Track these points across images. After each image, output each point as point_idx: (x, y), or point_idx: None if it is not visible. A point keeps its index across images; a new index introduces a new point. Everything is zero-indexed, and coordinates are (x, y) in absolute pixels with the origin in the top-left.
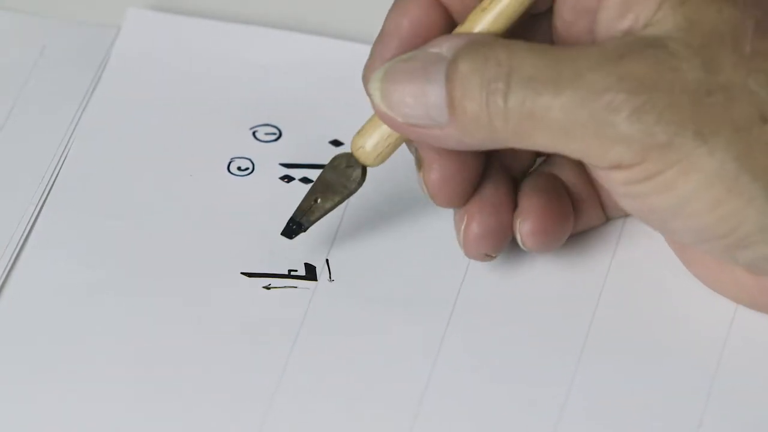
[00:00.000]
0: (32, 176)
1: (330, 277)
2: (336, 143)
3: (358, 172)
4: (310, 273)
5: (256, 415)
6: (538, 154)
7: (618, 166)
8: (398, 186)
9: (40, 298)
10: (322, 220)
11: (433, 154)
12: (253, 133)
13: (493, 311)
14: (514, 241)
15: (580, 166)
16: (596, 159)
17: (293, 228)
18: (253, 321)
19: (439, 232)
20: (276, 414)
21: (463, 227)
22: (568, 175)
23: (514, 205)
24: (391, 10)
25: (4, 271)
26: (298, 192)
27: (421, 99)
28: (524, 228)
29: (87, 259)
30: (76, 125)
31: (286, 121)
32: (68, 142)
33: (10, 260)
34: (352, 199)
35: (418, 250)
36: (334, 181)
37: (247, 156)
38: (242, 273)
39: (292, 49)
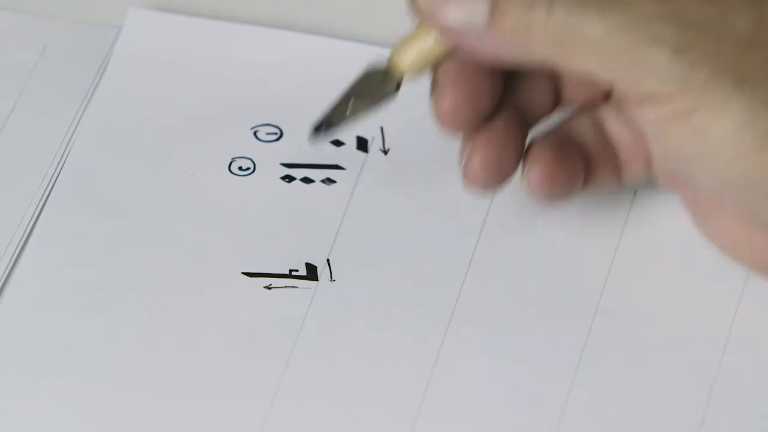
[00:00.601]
0: (33, 176)
1: (331, 277)
2: (337, 143)
3: (392, 82)
4: (311, 273)
5: (257, 415)
6: (554, 106)
7: (650, 99)
8: (400, 186)
9: (41, 297)
10: (323, 212)
11: (449, 79)
12: (254, 133)
13: (494, 311)
14: (514, 246)
15: (596, 126)
16: (630, 88)
17: (321, 129)
18: (253, 321)
19: (441, 232)
20: (277, 414)
21: (465, 157)
22: (583, 134)
23: (521, 148)
24: None
25: (5, 271)
26: (299, 192)
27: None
28: (532, 173)
29: (88, 258)
30: (77, 125)
31: (287, 121)
32: (69, 141)
33: (11, 260)
34: (354, 198)
35: (419, 249)
36: (368, 89)
37: (248, 156)
38: (243, 273)
39: (293, 49)
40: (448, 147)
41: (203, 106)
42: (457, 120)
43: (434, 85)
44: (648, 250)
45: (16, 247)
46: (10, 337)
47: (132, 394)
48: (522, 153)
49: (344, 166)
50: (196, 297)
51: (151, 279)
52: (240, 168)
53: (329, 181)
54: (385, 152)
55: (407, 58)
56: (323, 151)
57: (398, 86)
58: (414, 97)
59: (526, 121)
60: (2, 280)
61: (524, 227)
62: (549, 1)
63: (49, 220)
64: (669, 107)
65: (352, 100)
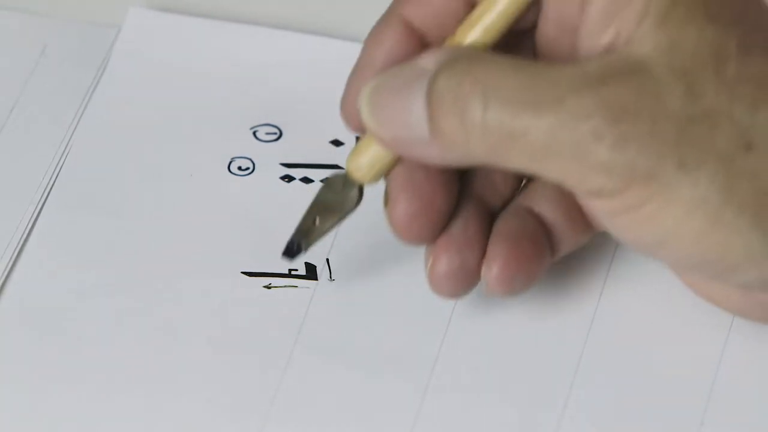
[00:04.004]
0: (33, 176)
1: (330, 277)
2: (336, 143)
3: (354, 191)
4: (311, 272)
5: (257, 415)
6: (516, 184)
7: (599, 195)
8: None
9: (40, 297)
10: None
11: (400, 190)
12: (254, 133)
13: (494, 310)
14: None
15: (557, 192)
16: (576, 185)
17: (294, 250)
18: (253, 320)
19: None
20: (277, 414)
21: (429, 266)
22: (545, 205)
23: (485, 243)
24: (366, 41)
25: (4, 271)
26: (298, 192)
27: (405, 115)
28: (490, 274)
29: (87, 258)
30: (76, 125)
31: (286, 121)
32: (69, 141)
33: (10, 260)
34: None
35: (419, 249)
36: (332, 201)
37: (247, 156)
38: (243, 272)
39: (292, 49)
40: None
41: (203, 105)
42: (413, 231)
43: (386, 196)
44: (640, 265)
45: (16, 247)
46: (8, 336)
47: (131, 394)
48: (485, 248)
49: (344, 167)
50: (196, 296)
51: (150, 279)
52: (239, 168)
53: None
54: None
55: (363, 166)
56: (323, 151)
57: (360, 193)
58: None
59: (490, 208)
60: (1, 280)
61: None
62: (482, 105)
63: (48, 220)
64: (618, 201)
65: (317, 215)
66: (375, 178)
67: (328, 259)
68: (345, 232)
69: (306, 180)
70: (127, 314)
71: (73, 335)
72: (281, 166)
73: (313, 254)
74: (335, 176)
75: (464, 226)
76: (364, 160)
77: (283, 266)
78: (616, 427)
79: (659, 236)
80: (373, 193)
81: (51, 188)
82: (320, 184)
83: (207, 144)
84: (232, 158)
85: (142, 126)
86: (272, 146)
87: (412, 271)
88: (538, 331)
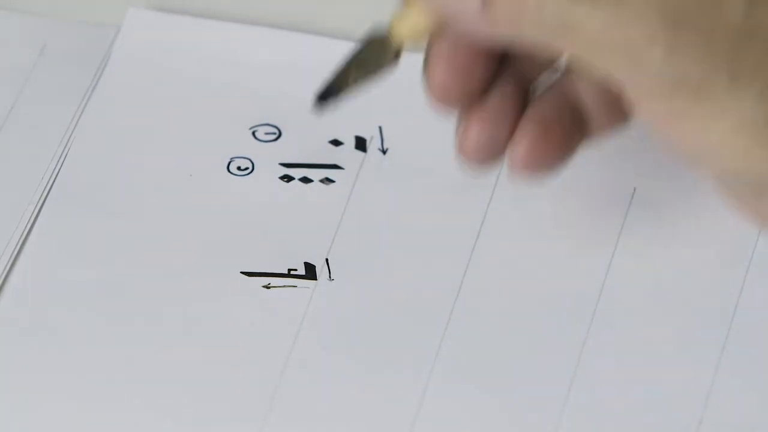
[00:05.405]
0: (32, 175)
1: (330, 277)
2: (335, 143)
3: (392, 49)
4: (310, 272)
5: (257, 414)
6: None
7: (646, 97)
8: (398, 185)
9: (39, 296)
10: (322, 212)
11: (441, 52)
12: (253, 133)
13: (492, 311)
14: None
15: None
16: (623, 83)
17: (330, 94)
18: (252, 320)
19: (439, 232)
20: (276, 414)
21: (459, 134)
22: (584, 89)
23: (516, 123)
24: None
25: (3, 270)
26: (298, 191)
27: None
28: (514, 154)
29: (86, 258)
30: (75, 125)
31: (285, 121)
32: (68, 141)
33: (9, 260)
34: (353, 197)
35: (418, 249)
36: (368, 59)
37: (246, 156)
38: (242, 272)
39: (292, 49)
40: (447, 146)
41: (202, 105)
42: (448, 95)
43: (426, 59)
44: (644, 253)
45: (15, 247)
46: (7, 336)
47: (130, 393)
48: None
49: (343, 166)
50: (195, 296)
51: (149, 278)
52: (239, 168)
53: (328, 180)
54: (384, 152)
55: (406, 27)
56: (322, 151)
57: (398, 55)
58: (412, 95)
59: (527, 77)
60: (1, 279)
61: (523, 227)
62: None
63: (47, 219)
64: (664, 106)
65: (353, 69)
66: (414, 40)
67: (327, 259)
68: (344, 231)
69: (305, 180)
70: (126, 314)
71: (73, 335)
72: (280, 166)
73: (313, 254)
74: (374, 33)
75: (500, 100)
76: (407, 22)
77: (283, 266)
78: (615, 426)
79: (701, 146)
80: (374, 191)
81: (50, 188)
82: (319, 184)
83: (206, 144)
84: (232, 158)
85: (141, 126)
86: (271, 146)
87: (411, 271)
88: (538, 330)
